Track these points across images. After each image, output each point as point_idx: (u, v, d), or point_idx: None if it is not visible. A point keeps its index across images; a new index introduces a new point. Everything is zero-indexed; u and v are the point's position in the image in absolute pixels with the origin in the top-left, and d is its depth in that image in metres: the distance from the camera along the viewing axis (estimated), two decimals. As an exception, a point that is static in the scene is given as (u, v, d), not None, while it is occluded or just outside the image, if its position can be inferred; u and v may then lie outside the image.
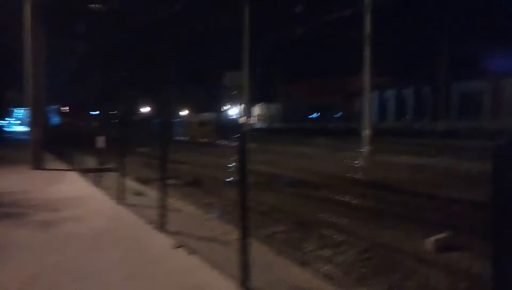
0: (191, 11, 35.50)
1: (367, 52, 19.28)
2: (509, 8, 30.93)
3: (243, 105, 29.59)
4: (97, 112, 61.12)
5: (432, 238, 5.88)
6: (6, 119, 64.00)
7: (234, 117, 54.04)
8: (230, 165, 13.30)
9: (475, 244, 5.94)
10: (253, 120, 55.71)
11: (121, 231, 5.49)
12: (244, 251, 3.35)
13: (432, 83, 39.98)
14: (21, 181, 10.20)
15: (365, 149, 19.25)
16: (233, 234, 5.60)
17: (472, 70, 35.14)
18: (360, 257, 5.42)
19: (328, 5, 23.21)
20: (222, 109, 62.99)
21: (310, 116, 50.67)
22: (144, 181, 10.87)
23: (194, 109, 59.80)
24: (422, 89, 42.43)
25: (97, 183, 9.26)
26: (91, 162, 11.66)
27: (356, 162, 15.93)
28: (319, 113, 50.31)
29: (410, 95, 43.83)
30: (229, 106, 61.16)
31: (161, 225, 5.34)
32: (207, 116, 51.83)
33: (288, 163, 15.89)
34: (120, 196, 7.27)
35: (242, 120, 28.73)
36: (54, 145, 18.08)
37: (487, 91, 36.88)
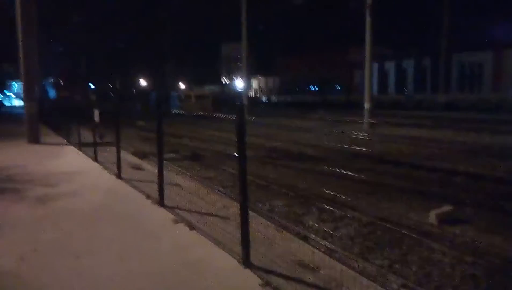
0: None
1: (368, 24, 18.81)
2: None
3: (239, 78, 29.17)
4: (94, 86, 60.49)
5: (435, 211, 5.81)
6: (5, 92, 62.88)
7: (240, 89, 53.34)
8: (228, 139, 13.15)
9: (479, 217, 5.89)
10: (252, 92, 55.28)
11: (120, 206, 5.39)
12: (244, 228, 3.24)
13: (432, 54, 39.38)
14: (17, 156, 10.06)
15: (366, 122, 19.10)
16: (233, 208, 5.51)
17: (473, 41, 34.55)
18: (362, 231, 5.35)
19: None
20: (223, 82, 62.33)
21: (309, 89, 50.17)
22: (142, 155, 10.74)
23: (192, 82, 59.14)
24: (422, 61, 41.88)
25: (95, 157, 9.13)
26: (89, 136, 11.50)
27: (356, 135, 15.80)
28: (316, 87, 49.76)
29: (410, 67, 43.29)
30: (230, 78, 60.45)
31: (160, 200, 5.23)
32: (210, 88, 51.25)
33: (287, 137, 15.75)
34: (118, 171, 7.14)
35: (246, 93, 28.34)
36: (51, 118, 17.87)
37: (488, 62, 36.41)
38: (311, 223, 5.71)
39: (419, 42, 38.66)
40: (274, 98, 50.60)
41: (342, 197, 6.91)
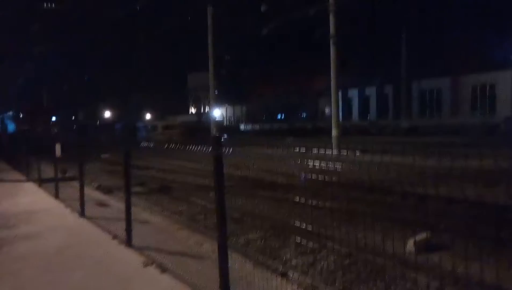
0: (152, 12, 34.67)
1: (333, 52, 19.31)
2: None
3: (211, 107, 29.09)
4: (56, 118, 58.68)
5: (413, 239, 5.74)
6: None
7: (216, 118, 53.41)
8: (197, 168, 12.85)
9: (455, 243, 5.86)
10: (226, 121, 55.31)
11: (84, 249, 4.98)
12: (223, 272, 3.00)
13: (393, 82, 40.95)
14: (-30, 195, 9.35)
15: (334, 148, 19.30)
16: (206, 244, 5.23)
17: (431, 68, 36.24)
18: (342, 263, 5.18)
19: (292, 5, 23.17)
20: (194, 111, 62.00)
21: (277, 117, 50.70)
22: (107, 190, 10.28)
23: (159, 113, 58.54)
24: (384, 88, 43.45)
25: (57, 194, 8.60)
26: (50, 171, 10.91)
27: (326, 162, 15.86)
28: (283, 115, 50.42)
29: (373, 94, 44.75)
30: (197, 108, 60.24)
31: (127, 240, 4.88)
32: (183, 118, 50.67)
33: (257, 165, 15.59)
34: (81, 208, 6.71)
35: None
36: (8, 153, 16.97)
37: (446, 88, 38.19)
38: (288, 256, 5.49)
39: (380, 70, 40.13)
40: (242, 126, 50.74)
41: (318, 227, 6.74)
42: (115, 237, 5.25)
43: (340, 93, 38.60)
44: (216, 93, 28.34)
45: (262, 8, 20.73)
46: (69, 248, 4.96)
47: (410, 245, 5.71)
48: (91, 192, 9.69)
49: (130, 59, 51.37)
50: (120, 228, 5.22)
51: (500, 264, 4.95)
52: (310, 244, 5.92)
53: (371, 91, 44.83)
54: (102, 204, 7.84)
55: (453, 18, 33.13)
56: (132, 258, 4.46)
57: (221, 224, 3.04)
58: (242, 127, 46.01)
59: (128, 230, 4.88)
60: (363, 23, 35.43)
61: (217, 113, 52.26)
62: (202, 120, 52.12)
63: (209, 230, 6.65)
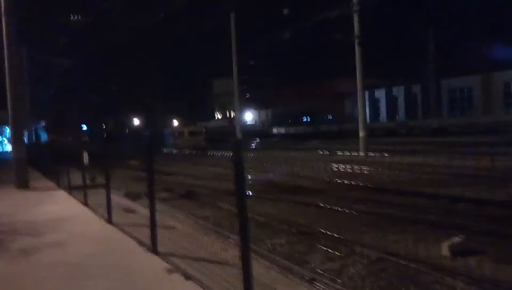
0: (174, 19, 35.13)
1: (358, 53, 18.98)
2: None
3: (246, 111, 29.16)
4: (86, 127, 60.32)
5: (447, 243, 5.47)
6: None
7: (250, 122, 52.96)
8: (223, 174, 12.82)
9: (493, 246, 5.55)
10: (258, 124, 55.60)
11: (110, 256, 4.98)
12: (247, 277, 2.89)
13: (421, 81, 39.94)
14: (3, 202, 9.62)
15: (362, 150, 18.92)
16: (232, 250, 5.13)
17: (461, 66, 35.13)
18: (372, 269, 4.97)
19: (315, 7, 22.95)
20: (215, 117, 62.39)
21: (303, 120, 50.27)
22: (134, 196, 10.36)
23: (186, 120, 59.20)
24: (412, 87, 42.42)
25: (85, 201, 8.72)
26: (79, 179, 11.13)
27: (353, 165, 15.54)
28: (308, 118, 49.93)
29: (401, 94, 43.78)
30: (223, 114, 60.47)
31: (153, 247, 4.84)
32: (216, 123, 50.95)
33: (284, 169, 15.45)
34: (108, 215, 6.75)
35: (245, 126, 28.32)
36: (41, 163, 17.46)
37: (477, 86, 36.91)
38: (316, 262, 5.33)
39: (408, 69, 39.22)
40: (269, 130, 50.57)
41: (347, 231, 6.55)
42: (141, 244, 5.23)
43: (366, 94, 38.12)
44: (247, 96, 28.43)
45: (285, 11, 20.63)
46: (94, 256, 4.96)
47: (444, 249, 5.45)
48: (119, 199, 9.78)
49: (156, 67, 52.22)
50: (146, 234, 5.20)
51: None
52: (338, 249, 5.74)
53: (398, 91, 43.88)
54: (129, 211, 7.89)
55: (481, 14, 32.07)
56: (157, 265, 4.41)
57: (243, 230, 2.93)
58: (274, 130, 46.10)
59: (153, 237, 4.85)
60: (389, 23, 34.76)
61: (249, 117, 52.11)
62: (232, 125, 52.11)
63: (234, 235, 6.58)
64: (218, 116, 61.55)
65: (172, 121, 59.28)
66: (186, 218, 7.71)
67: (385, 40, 36.34)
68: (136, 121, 63.04)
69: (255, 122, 53.92)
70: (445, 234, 5.91)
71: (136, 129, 56.51)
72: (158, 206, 8.80)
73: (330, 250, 5.69)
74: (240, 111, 32.07)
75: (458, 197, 8.41)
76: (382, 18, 32.30)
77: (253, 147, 29.36)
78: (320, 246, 5.92)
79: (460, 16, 33.24)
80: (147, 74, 52.11)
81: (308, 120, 50.00)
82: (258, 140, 38.79)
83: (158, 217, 5.22)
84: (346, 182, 11.48)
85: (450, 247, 5.41)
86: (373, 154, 18.20)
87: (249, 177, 13.23)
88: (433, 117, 36.50)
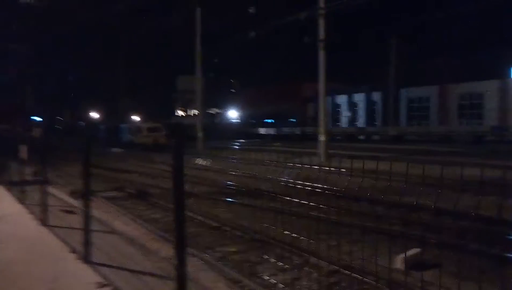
0: (139, 13, 34.07)
1: (321, 57, 18.95)
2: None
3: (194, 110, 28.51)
4: (40, 118, 57.44)
5: (402, 255, 5.29)
6: None
7: (234, 119, 51.23)
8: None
9: (447, 259, 5.43)
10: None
11: (36, 264, 4.42)
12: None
13: (382, 89, 40.88)
14: None
15: (322, 154, 18.90)
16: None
17: (420, 76, 36.23)
18: (326, 281, 4.70)
19: (281, 11, 22.84)
20: (175, 114, 61.04)
21: (265, 122, 50.12)
22: (80, 195, 9.65)
23: (148, 115, 57.59)
24: (372, 95, 43.36)
25: (22, 199, 7.98)
26: (23, 173, 10.27)
27: (313, 168, 15.42)
28: (271, 120, 49.84)
29: (361, 101, 44.65)
30: (186, 111, 59.19)
31: (85, 255, 4.33)
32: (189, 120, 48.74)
33: (242, 170, 15.09)
34: (43, 216, 6.12)
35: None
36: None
37: (434, 97, 38.22)
38: (269, 272, 5.00)
39: (370, 77, 40.05)
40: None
41: (302, 239, 6.26)
42: (73, 250, 4.69)
43: (329, 100, 38.52)
44: (198, 97, 27.80)
45: (251, 10, 20.32)
46: (18, 264, 4.38)
47: (399, 262, 5.27)
48: (63, 197, 9.09)
49: (118, 61, 50.50)
50: (81, 240, 4.67)
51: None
52: (292, 259, 5.43)
53: (359, 98, 44.74)
54: (70, 211, 7.25)
55: (442, 27, 33.20)
56: (87, 277, 3.91)
57: (180, 244, 2.54)
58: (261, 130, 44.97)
59: (87, 243, 4.33)
60: (353, 30, 35.31)
61: (234, 114, 50.43)
62: (215, 122, 50.25)
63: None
64: (180, 113, 60.30)
65: (133, 116, 57.57)
66: (133, 221, 7.18)
67: (350, 47, 36.92)
68: (95, 115, 60.74)
69: (240, 119, 52.48)
70: (401, 245, 5.75)
71: (92, 123, 54.37)
72: (104, 206, 8.20)
73: (280, 263, 5.35)
74: (204, 109, 31.41)
75: (414, 205, 8.34)
76: (348, 25, 32.76)
77: (216, 146, 28.86)
78: (273, 255, 5.60)
79: (424, 28, 34.29)
80: (110, 67, 50.35)
81: (272, 122, 49.98)
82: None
83: (102, 219, 4.72)
84: (307, 187, 11.26)
85: (404, 260, 5.23)
86: (333, 159, 18.20)
87: (205, 179, 12.79)
88: (392, 125, 37.46)
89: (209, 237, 6.50)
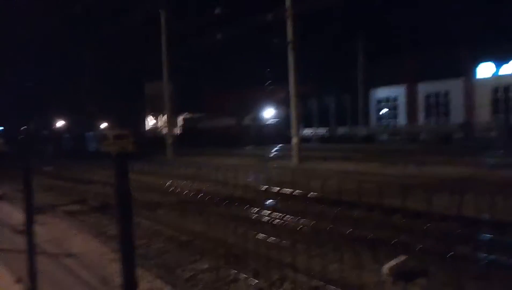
0: (103, 16, 32.97)
1: (291, 58, 18.69)
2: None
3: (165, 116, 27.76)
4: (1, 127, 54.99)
5: (388, 265, 4.93)
6: None
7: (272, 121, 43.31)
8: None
9: (434, 266, 5.12)
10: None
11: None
12: None
13: (351, 91, 41.28)
14: None
15: (294, 157, 18.62)
16: (142, 283, 4.18)
17: (388, 77, 36.79)
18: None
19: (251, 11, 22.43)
20: (145, 121, 59.48)
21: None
22: (39, 210, 8.88)
23: (115, 122, 55.90)
24: (342, 97, 43.73)
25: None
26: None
27: (287, 172, 15.07)
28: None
29: (332, 103, 44.94)
30: (156, 117, 57.73)
31: (32, 286, 3.72)
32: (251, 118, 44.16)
33: (214, 177, 14.55)
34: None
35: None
36: None
37: (402, 96, 38.91)
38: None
39: (340, 79, 40.35)
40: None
41: (280, 251, 5.81)
42: (18, 280, 4.07)
43: (300, 103, 38.38)
44: (166, 102, 27.08)
45: (216, 11, 19.87)
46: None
47: (385, 272, 4.90)
48: (15, 215, 8.31)
49: (85, 67, 48.87)
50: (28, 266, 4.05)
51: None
52: (270, 274, 4.97)
53: (330, 100, 45.02)
54: (21, 231, 6.53)
55: (408, 27, 33.69)
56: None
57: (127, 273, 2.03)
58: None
59: (32, 272, 3.72)
60: (324, 31, 35.39)
61: (271, 114, 44.92)
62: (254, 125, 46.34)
63: (147, 260, 5.57)
64: (151, 120, 58.89)
65: (101, 124, 55.86)
66: (93, 239, 6.54)
67: (319, 49, 36.98)
68: (61, 123, 58.55)
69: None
70: (386, 252, 5.41)
71: (58, 131, 52.36)
72: (62, 223, 7.48)
73: (256, 281, 4.87)
74: (173, 115, 30.65)
75: (395, 208, 8.07)
76: (316, 27, 32.78)
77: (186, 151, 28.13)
78: (248, 270, 5.12)
79: (391, 28, 34.73)
80: (76, 74, 48.67)
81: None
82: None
83: (57, 238, 4.12)
84: (283, 191, 10.86)
85: (391, 270, 4.87)
86: (306, 161, 17.98)
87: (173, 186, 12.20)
88: (362, 126, 37.84)
89: (179, 253, 5.96)
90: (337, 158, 19.02)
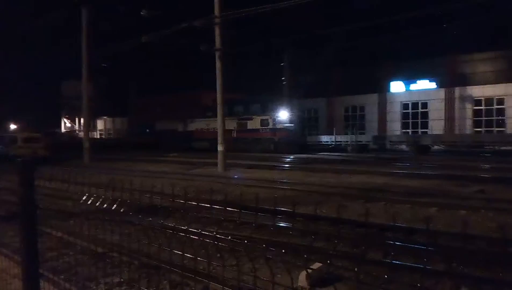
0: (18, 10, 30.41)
1: (219, 66, 18.75)
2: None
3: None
4: None
5: (305, 272, 5.08)
6: None
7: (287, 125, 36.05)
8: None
9: (349, 272, 5.37)
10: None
11: None
12: None
13: (275, 100, 42.36)
14: None
15: (219, 163, 18.64)
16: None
17: (311, 89, 38.43)
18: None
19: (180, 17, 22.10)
20: (62, 124, 55.73)
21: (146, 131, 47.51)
22: None
23: (27, 124, 51.45)
24: (267, 106, 44.67)
25: None
26: None
27: (211, 180, 15.00)
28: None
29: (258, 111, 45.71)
30: (72, 119, 54.30)
31: None
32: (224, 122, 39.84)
33: (135, 184, 13.99)
34: None
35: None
36: None
37: (322, 108, 40.91)
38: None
39: (265, 89, 41.25)
40: (123, 139, 46.93)
41: (201, 261, 5.72)
42: None
43: (226, 109, 38.57)
44: (84, 104, 25.65)
45: (142, 12, 19.30)
46: None
47: (302, 278, 5.05)
48: None
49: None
50: None
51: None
52: (190, 286, 4.88)
53: (256, 108, 45.74)
54: None
55: (333, 42, 35.46)
56: None
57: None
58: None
59: None
60: (255, 41, 36.02)
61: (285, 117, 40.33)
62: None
63: (57, 274, 5.18)
64: (66, 122, 55.24)
65: (11, 125, 51.18)
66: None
67: (250, 58, 37.59)
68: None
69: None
70: (303, 258, 5.57)
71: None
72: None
73: (179, 288, 4.78)
74: (92, 118, 29.06)
75: (314, 215, 8.37)
76: (247, 36, 33.27)
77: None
78: (167, 283, 4.98)
79: (317, 41, 36.38)
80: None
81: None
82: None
83: None
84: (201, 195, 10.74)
85: (307, 276, 5.03)
86: (230, 170, 18.07)
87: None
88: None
89: (92, 266, 5.60)
90: (263, 167, 19.36)
